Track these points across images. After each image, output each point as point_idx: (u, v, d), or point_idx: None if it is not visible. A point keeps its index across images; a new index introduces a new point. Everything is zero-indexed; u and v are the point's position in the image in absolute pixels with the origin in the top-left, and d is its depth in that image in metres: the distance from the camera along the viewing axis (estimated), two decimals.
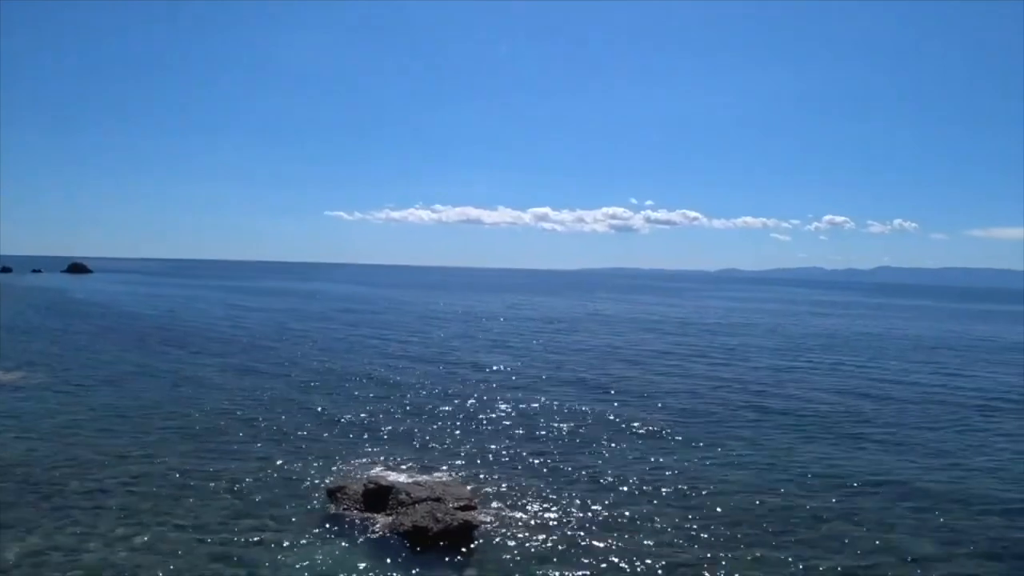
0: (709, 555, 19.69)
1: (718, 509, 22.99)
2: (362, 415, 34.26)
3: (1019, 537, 21.72)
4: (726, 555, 19.72)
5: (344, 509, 21.74)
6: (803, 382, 47.77)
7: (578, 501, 23.56)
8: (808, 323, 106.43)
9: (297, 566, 18.16)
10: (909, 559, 19.50)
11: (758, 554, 19.77)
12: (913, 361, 60.36)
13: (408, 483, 23.12)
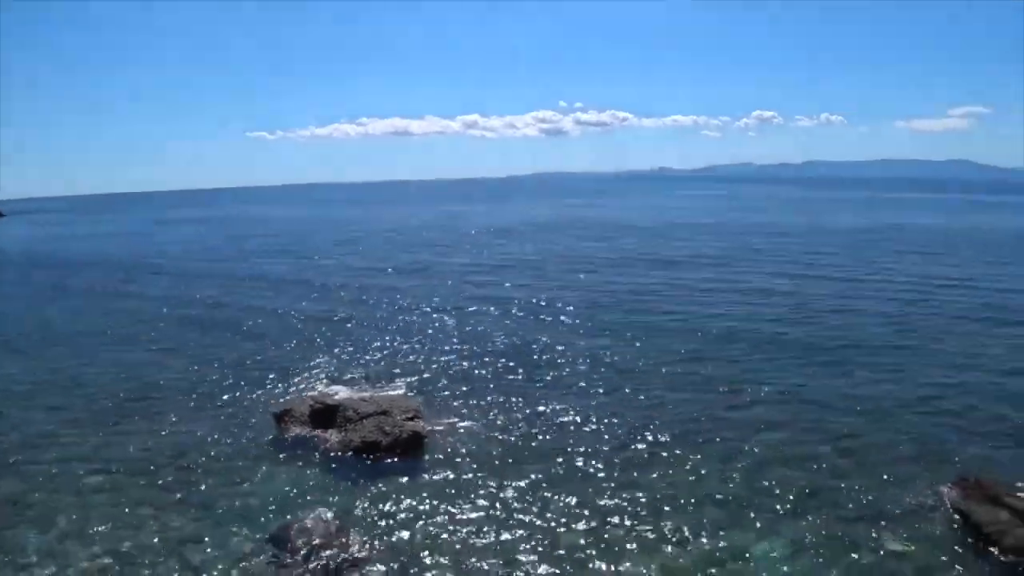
0: (651, 454, 20.76)
1: (659, 409, 24.07)
2: (301, 337, 34.18)
3: (924, 431, 23.49)
4: (669, 454, 20.86)
5: (292, 431, 21.95)
6: (741, 283, 49.41)
7: (522, 406, 24.26)
8: (744, 220, 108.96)
9: (251, 492, 18.42)
10: (821, 464, 20.91)
11: (700, 453, 20.99)
12: (847, 255, 62.25)
13: (354, 399, 23.39)
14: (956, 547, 15.57)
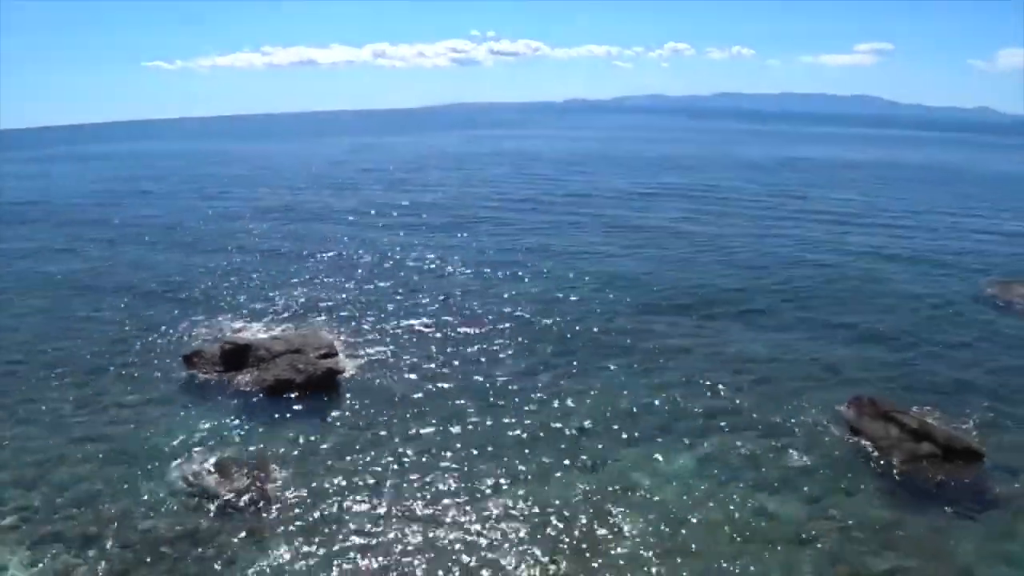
0: (563, 383, 21.36)
1: (569, 342, 24.62)
2: (207, 279, 32.72)
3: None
4: (581, 383, 21.53)
5: (203, 373, 21.35)
6: (649, 209, 50.26)
7: (436, 341, 24.29)
8: (653, 152, 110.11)
9: (162, 437, 17.89)
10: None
11: (609, 380, 21.67)
12: (752, 190, 63.34)
13: (266, 338, 22.91)
14: (851, 460, 16.66)
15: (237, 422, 18.63)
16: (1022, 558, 13.42)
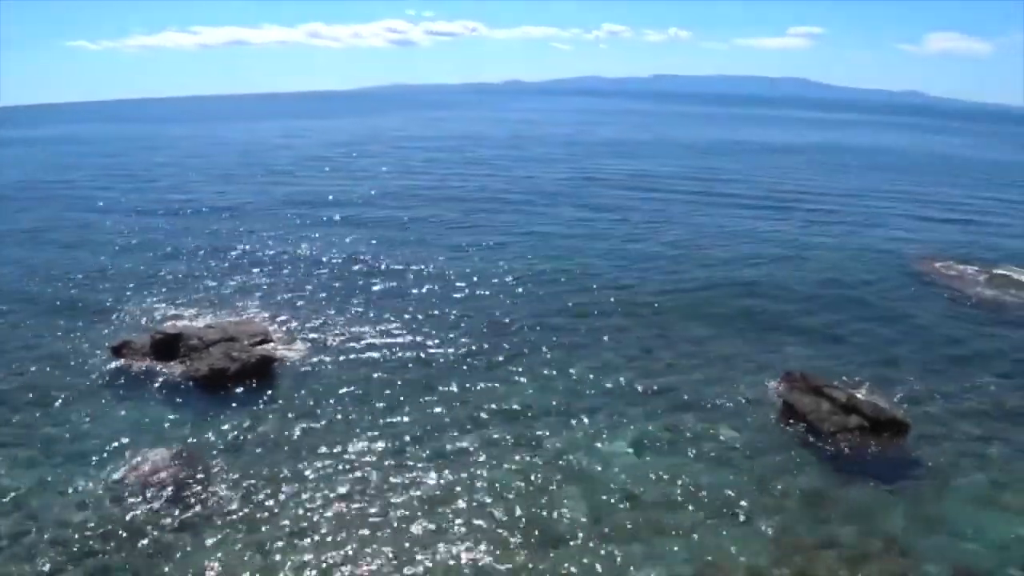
0: (498, 364, 21.45)
1: (504, 322, 24.70)
2: (135, 267, 31.55)
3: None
4: (516, 363, 21.65)
5: (133, 364, 20.67)
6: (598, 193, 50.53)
7: (371, 325, 24.05)
8: (591, 133, 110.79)
9: (90, 431, 17.26)
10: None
11: (545, 360, 21.88)
12: (689, 172, 64.57)
13: (198, 327, 22.32)
14: (783, 434, 17.15)
15: (169, 412, 18.14)
16: (944, 523, 14.04)
